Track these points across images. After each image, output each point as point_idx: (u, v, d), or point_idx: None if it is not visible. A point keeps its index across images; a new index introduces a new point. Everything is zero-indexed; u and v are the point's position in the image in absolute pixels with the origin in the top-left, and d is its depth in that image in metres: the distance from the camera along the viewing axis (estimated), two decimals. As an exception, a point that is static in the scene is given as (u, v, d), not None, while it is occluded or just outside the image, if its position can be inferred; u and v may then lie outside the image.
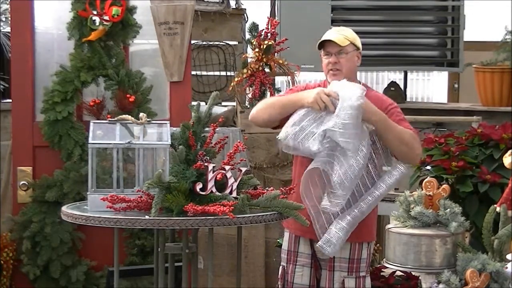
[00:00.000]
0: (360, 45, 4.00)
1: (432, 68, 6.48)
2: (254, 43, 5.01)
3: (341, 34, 3.97)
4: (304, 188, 3.81)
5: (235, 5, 5.89)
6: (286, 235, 4.13)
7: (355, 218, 3.84)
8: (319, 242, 3.85)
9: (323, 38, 3.97)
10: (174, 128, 3.66)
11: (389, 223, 4.35)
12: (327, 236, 3.83)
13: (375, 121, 3.80)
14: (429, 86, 11.32)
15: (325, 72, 4.02)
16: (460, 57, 6.03)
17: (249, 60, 5.08)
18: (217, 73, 5.87)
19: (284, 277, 4.09)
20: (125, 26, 4.68)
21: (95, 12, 4.55)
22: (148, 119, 3.70)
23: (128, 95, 4.62)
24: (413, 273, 4.13)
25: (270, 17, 5.35)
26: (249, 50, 5.25)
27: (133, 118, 3.68)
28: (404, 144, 3.84)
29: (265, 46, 4.96)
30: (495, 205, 4.01)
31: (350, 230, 3.84)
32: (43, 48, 4.78)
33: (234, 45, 5.90)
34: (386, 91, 6.18)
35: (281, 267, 4.14)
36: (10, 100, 4.79)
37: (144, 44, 4.97)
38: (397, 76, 8.60)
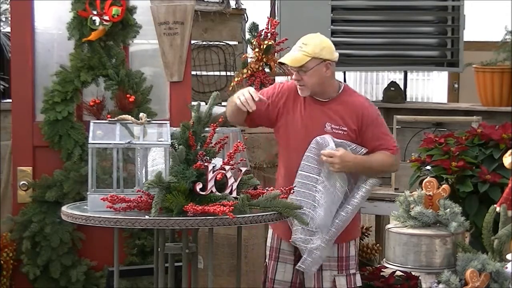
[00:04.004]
0: (329, 55, 3.96)
1: (432, 68, 6.46)
2: (254, 43, 5.01)
3: (301, 51, 3.95)
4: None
5: (235, 5, 5.88)
6: (270, 232, 4.18)
7: (333, 235, 3.98)
8: (299, 264, 3.99)
9: (281, 59, 4.05)
10: (174, 128, 3.66)
11: (389, 223, 4.36)
12: (308, 259, 3.95)
13: (356, 172, 4.02)
14: (429, 86, 11.33)
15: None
16: (460, 57, 6.02)
17: (249, 60, 5.08)
18: (217, 73, 5.86)
19: (266, 273, 4.14)
20: (125, 26, 4.68)
21: (95, 12, 4.55)
22: (148, 119, 3.70)
23: (128, 95, 4.62)
24: (413, 273, 4.13)
25: (270, 17, 5.35)
26: (249, 50, 5.24)
27: (133, 118, 3.68)
28: (383, 172, 4.15)
29: (265, 46, 4.96)
30: (495, 205, 4.01)
31: (329, 246, 3.98)
32: (43, 48, 4.77)
33: (234, 45, 5.89)
34: (386, 91, 6.18)
35: (264, 263, 4.18)
36: (10, 100, 4.79)
37: (144, 44, 4.96)
38: (397, 76, 8.61)
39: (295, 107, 4.07)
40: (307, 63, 3.93)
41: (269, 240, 4.18)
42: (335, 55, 4.00)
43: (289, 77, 5.03)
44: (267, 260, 4.15)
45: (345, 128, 3.98)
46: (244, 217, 3.38)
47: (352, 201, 3.97)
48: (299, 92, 4.04)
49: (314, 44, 3.95)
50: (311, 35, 4.01)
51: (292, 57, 3.96)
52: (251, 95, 3.89)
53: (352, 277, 4.06)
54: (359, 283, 4.09)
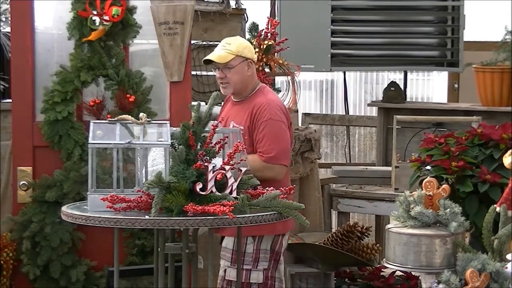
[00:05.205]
0: (250, 55, 4.21)
1: (432, 68, 6.48)
2: (254, 43, 5.01)
3: (225, 49, 4.18)
4: None
5: (235, 5, 5.88)
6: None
7: None
8: None
9: (207, 56, 4.24)
10: (174, 128, 3.66)
11: (389, 223, 4.35)
12: None
13: None
14: (429, 86, 11.31)
15: (218, 84, 4.30)
16: (460, 57, 6.04)
17: (249, 60, 5.08)
18: (217, 73, 5.86)
19: None
20: (125, 26, 4.68)
21: (95, 12, 4.55)
22: (148, 119, 3.70)
23: (128, 95, 4.62)
24: (413, 273, 4.13)
25: (270, 17, 5.35)
26: (249, 50, 5.24)
27: (133, 118, 3.68)
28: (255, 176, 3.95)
29: (265, 46, 4.96)
30: (495, 205, 4.00)
31: None
32: (43, 48, 4.77)
33: (234, 45, 5.89)
34: (386, 91, 6.18)
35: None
36: (10, 100, 4.79)
37: (144, 44, 4.97)
38: (397, 76, 8.60)
39: (222, 112, 4.38)
40: (231, 60, 4.16)
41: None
42: (255, 56, 4.30)
43: (288, 77, 5.05)
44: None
45: (242, 127, 4.14)
46: (244, 217, 3.38)
47: None
48: (222, 91, 4.27)
49: (237, 44, 4.20)
50: (232, 37, 4.29)
51: (217, 54, 4.18)
52: None
53: (245, 272, 4.17)
54: (255, 280, 4.17)
